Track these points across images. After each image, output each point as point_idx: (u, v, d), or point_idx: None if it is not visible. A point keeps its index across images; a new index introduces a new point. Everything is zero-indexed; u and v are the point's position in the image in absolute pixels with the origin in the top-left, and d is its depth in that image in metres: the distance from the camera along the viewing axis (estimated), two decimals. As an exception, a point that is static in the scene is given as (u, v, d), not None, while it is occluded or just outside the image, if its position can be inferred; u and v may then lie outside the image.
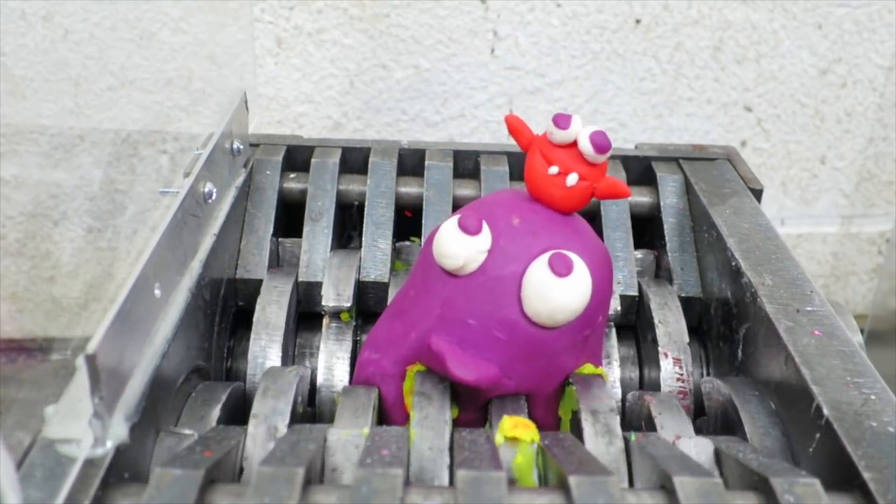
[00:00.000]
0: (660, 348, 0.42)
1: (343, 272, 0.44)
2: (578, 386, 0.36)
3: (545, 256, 0.34)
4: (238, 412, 0.39)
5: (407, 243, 0.48)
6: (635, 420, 0.39)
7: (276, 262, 0.48)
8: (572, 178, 0.36)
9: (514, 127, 0.38)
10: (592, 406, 0.34)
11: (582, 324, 0.35)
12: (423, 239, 0.46)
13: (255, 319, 0.42)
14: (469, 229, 0.35)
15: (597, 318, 0.36)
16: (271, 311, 0.42)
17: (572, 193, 0.36)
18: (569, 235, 0.36)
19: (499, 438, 0.32)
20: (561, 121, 0.36)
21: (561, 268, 0.33)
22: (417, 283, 0.38)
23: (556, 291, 0.33)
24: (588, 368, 0.37)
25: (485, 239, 0.35)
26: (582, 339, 0.36)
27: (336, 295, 0.43)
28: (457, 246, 0.35)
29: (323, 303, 0.43)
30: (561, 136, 0.36)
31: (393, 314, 0.39)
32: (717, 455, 0.33)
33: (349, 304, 0.42)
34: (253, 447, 0.33)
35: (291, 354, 0.44)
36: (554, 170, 0.36)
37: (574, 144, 0.36)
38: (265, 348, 0.41)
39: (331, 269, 0.44)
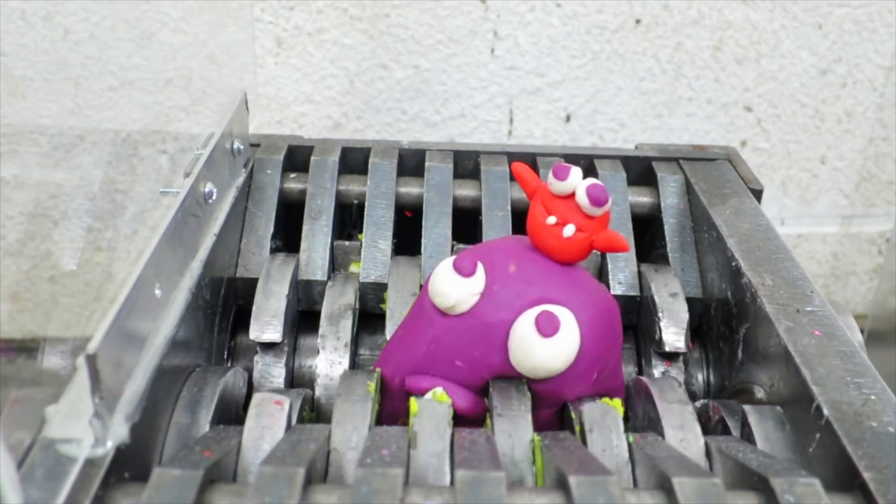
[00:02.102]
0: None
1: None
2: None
3: (534, 311, 0.34)
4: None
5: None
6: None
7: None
8: (569, 230, 0.35)
9: (521, 175, 0.37)
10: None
11: (572, 380, 0.35)
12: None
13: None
14: (463, 271, 0.35)
15: (591, 374, 0.35)
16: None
17: (569, 244, 0.35)
18: (564, 287, 0.35)
19: None
20: (560, 172, 0.35)
21: (546, 328, 0.33)
22: (406, 324, 0.38)
23: (539, 350, 0.33)
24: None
25: (478, 282, 0.35)
26: (576, 393, 0.36)
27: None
28: (449, 286, 0.35)
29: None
30: (559, 186, 0.35)
31: (381, 361, 0.38)
32: (718, 454, 0.33)
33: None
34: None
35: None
36: (552, 220, 0.35)
37: (573, 195, 0.35)
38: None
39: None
